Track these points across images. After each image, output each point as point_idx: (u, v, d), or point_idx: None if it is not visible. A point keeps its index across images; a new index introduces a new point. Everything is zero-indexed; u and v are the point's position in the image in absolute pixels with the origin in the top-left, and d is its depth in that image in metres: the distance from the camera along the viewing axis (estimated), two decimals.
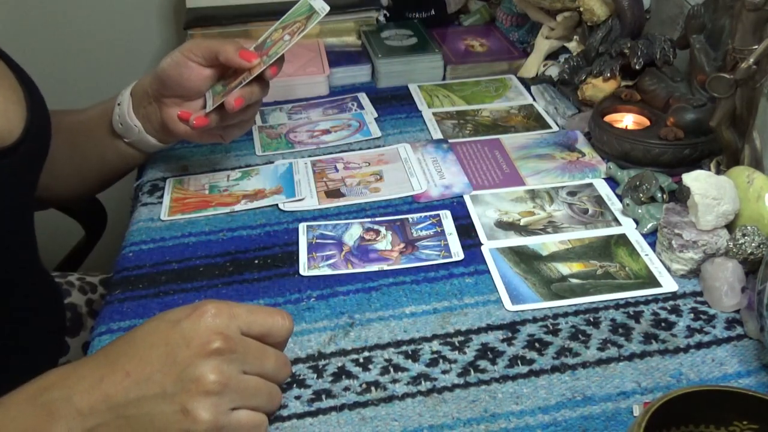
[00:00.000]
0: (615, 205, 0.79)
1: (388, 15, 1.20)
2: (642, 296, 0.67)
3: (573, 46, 1.05)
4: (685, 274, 0.68)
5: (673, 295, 0.67)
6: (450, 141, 0.93)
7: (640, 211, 0.76)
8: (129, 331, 0.53)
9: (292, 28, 0.75)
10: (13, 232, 0.72)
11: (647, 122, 0.86)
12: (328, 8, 0.72)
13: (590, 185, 0.82)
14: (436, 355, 0.61)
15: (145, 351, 0.50)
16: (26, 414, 0.50)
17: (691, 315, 0.65)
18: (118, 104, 0.82)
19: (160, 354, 0.49)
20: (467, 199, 0.81)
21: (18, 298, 0.74)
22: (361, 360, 0.61)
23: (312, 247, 0.74)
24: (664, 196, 0.77)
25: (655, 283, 0.68)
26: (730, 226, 0.69)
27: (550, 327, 0.64)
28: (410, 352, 0.62)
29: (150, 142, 0.83)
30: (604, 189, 0.82)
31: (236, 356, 0.50)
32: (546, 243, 0.73)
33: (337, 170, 0.87)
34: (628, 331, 0.63)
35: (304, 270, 0.71)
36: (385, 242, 0.75)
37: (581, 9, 0.98)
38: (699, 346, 0.61)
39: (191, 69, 0.77)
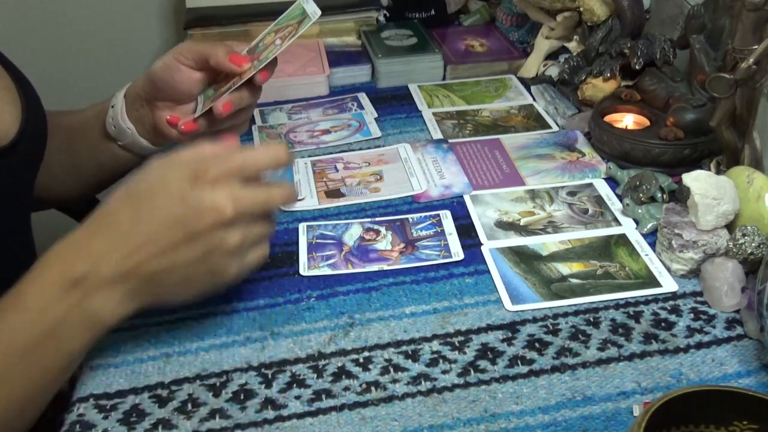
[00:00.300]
0: (615, 205, 0.79)
1: (388, 15, 1.20)
2: (642, 296, 0.67)
3: (573, 46, 1.05)
4: (685, 274, 0.68)
5: (673, 295, 0.67)
6: (450, 141, 0.93)
7: (640, 211, 0.76)
8: (127, 189, 0.57)
9: (284, 32, 0.74)
10: (11, 232, 0.72)
11: (647, 122, 0.86)
12: (319, 13, 0.72)
13: (590, 185, 0.82)
14: (436, 355, 0.61)
15: (159, 221, 0.55)
16: (62, 302, 0.54)
17: (691, 315, 0.65)
18: (112, 106, 0.81)
19: (177, 227, 0.55)
20: (467, 199, 0.81)
21: None
22: (361, 360, 0.61)
23: (312, 247, 0.74)
24: (664, 196, 0.77)
25: (655, 283, 0.68)
26: (730, 226, 0.69)
27: (550, 327, 0.64)
28: (410, 352, 0.62)
29: (143, 144, 0.82)
30: (604, 189, 0.82)
31: (247, 211, 0.56)
32: (546, 243, 0.73)
33: (337, 170, 0.87)
34: (628, 331, 0.63)
35: (304, 270, 0.71)
36: (385, 242, 0.75)
37: (581, 9, 0.98)
38: (699, 346, 0.61)
39: (182, 72, 0.76)
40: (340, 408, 0.57)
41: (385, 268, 0.71)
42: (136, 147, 0.83)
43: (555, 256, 0.72)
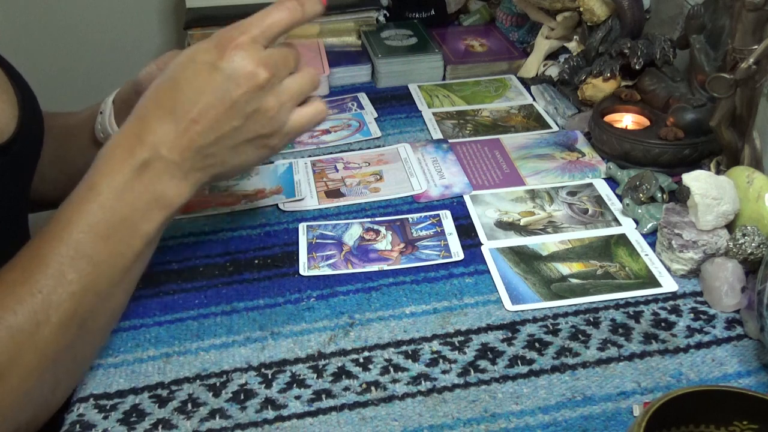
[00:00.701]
0: (615, 205, 0.79)
1: (388, 15, 1.20)
2: (642, 296, 0.67)
3: (573, 46, 1.05)
4: (685, 274, 0.68)
5: (673, 295, 0.67)
6: (450, 141, 0.93)
7: (640, 211, 0.76)
8: (161, 78, 0.60)
9: None
10: (8, 232, 0.72)
11: (647, 122, 0.86)
12: None
13: (590, 185, 0.82)
14: (436, 355, 0.61)
15: (199, 97, 0.58)
16: (134, 187, 0.58)
17: (691, 315, 0.65)
18: (101, 112, 0.81)
19: (216, 99, 0.58)
20: (467, 199, 0.81)
21: None
22: (361, 360, 0.61)
23: (312, 247, 0.74)
24: (664, 196, 0.77)
25: (655, 283, 0.68)
26: (730, 226, 0.69)
27: (550, 327, 0.64)
28: (410, 352, 0.62)
29: None
30: (604, 189, 0.82)
31: (280, 70, 0.60)
32: (546, 243, 0.73)
33: (337, 170, 0.87)
34: (628, 331, 0.63)
35: (304, 270, 0.71)
36: (385, 242, 0.75)
37: (581, 9, 0.98)
38: (699, 346, 0.61)
39: None
40: (340, 408, 0.57)
41: (385, 268, 0.71)
42: None
43: (555, 256, 0.72)
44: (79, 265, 0.55)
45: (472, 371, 0.60)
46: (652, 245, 0.72)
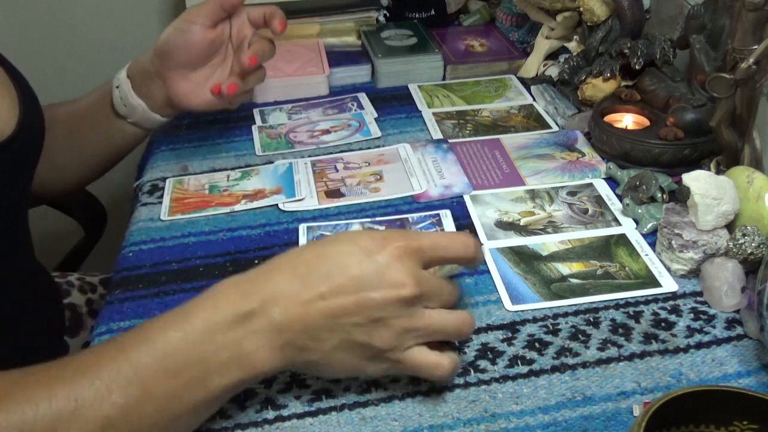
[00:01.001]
0: (615, 205, 0.79)
1: (388, 15, 1.20)
2: (642, 296, 0.67)
3: (573, 46, 1.05)
4: (685, 274, 0.68)
5: (673, 295, 0.67)
6: (450, 141, 0.93)
7: (640, 211, 0.76)
8: (311, 245, 0.57)
9: None
10: (7, 230, 0.72)
11: (647, 122, 0.86)
12: None
13: (590, 185, 0.82)
14: None
15: (338, 277, 0.52)
16: (227, 333, 0.51)
17: (691, 315, 0.65)
18: (117, 87, 0.85)
19: (354, 287, 0.52)
20: (467, 199, 0.81)
21: (16, 297, 0.74)
22: None
23: None
24: (664, 196, 0.77)
25: (655, 283, 0.68)
26: (730, 226, 0.69)
27: (550, 327, 0.64)
28: None
29: (154, 118, 0.86)
30: (604, 189, 0.82)
31: (428, 296, 0.53)
32: (546, 243, 0.73)
33: (337, 170, 0.87)
34: (628, 331, 0.63)
35: None
36: None
37: (581, 9, 0.98)
38: (699, 346, 0.61)
39: (195, 33, 0.81)
40: (340, 408, 0.57)
41: None
42: (148, 122, 0.87)
43: (555, 256, 0.72)
44: (129, 391, 0.48)
45: (472, 371, 0.60)
46: (652, 245, 0.72)
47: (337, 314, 0.51)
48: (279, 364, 0.52)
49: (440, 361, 0.54)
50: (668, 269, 0.69)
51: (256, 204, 0.81)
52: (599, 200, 0.80)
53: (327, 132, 0.96)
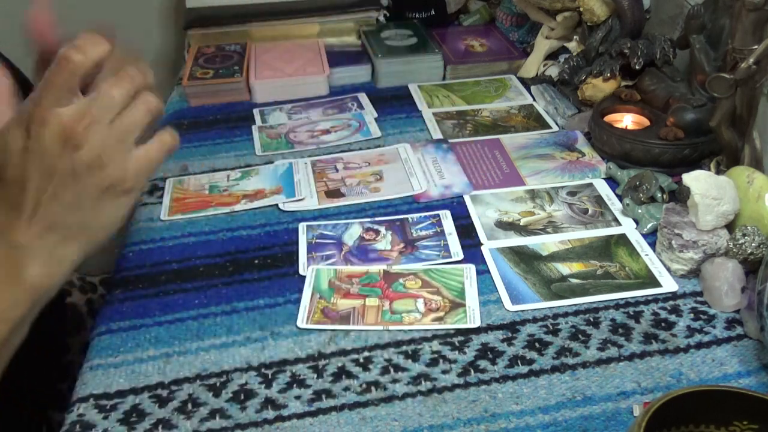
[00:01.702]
0: (615, 205, 0.79)
1: (388, 15, 1.20)
2: (642, 296, 0.67)
3: (573, 46, 1.05)
4: (685, 274, 0.68)
5: (673, 295, 0.67)
6: (450, 141, 0.93)
7: (640, 211, 0.76)
8: None
9: None
10: None
11: (647, 122, 0.86)
12: None
13: (590, 185, 0.82)
14: (436, 355, 0.61)
15: (21, 175, 0.54)
16: None
17: (691, 315, 0.65)
18: None
19: (35, 169, 0.54)
20: (467, 199, 0.81)
21: None
22: (361, 360, 0.61)
23: (312, 247, 0.74)
24: (664, 196, 0.77)
25: (655, 283, 0.68)
26: (730, 226, 0.69)
27: (550, 327, 0.64)
28: (410, 352, 0.62)
29: None
30: (604, 189, 0.82)
31: (98, 119, 0.54)
32: (546, 243, 0.73)
33: (337, 170, 0.87)
34: (628, 331, 0.63)
35: (304, 270, 0.71)
36: (384, 242, 0.75)
37: (581, 9, 0.98)
38: (699, 346, 0.61)
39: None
40: (340, 408, 0.57)
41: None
42: None
43: (555, 256, 0.72)
44: None
45: (472, 371, 0.60)
46: (652, 245, 0.72)
47: (58, 198, 0.54)
48: (62, 263, 0.56)
49: (161, 140, 0.58)
50: (668, 269, 0.69)
51: (256, 204, 0.81)
52: (599, 200, 0.80)
53: (327, 132, 0.96)
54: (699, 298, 0.66)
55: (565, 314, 0.65)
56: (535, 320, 0.64)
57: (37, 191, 0.54)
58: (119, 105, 0.56)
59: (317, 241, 0.75)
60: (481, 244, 0.74)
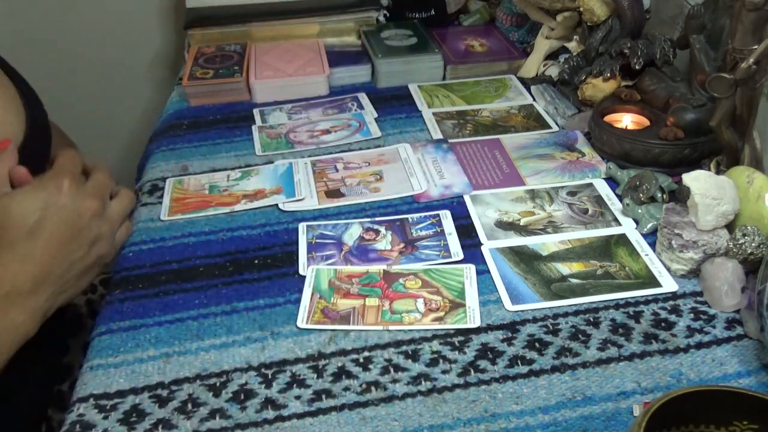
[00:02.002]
0: (615, 205, 0.79)
1: (388, 15, 1.20)
2: (642, 296, 0.67)
3: (573, 46, 1.05)
4: (685, 274, 0.68)
5: (673, 295, 0.67)
6: (450, 141, 0.93)
7: (640, 211, 0.76)
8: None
9: None
10: None
11: (647, 122, 0.86)
12: None
13: (590, 185, 0.82)
14: (436, 355, 0.61)
15: (49, 232, 0.63)
16: None
17: (691, 315, 0.65)
18: None
19: (66, 230, 0.65)
20: (467, 199, 0.81)
21: None
22: (361, 360, 0.61)
23: (312, 247, 0.74)
24: (664, 196, 0.77)
25: (655, 283, 0.68)
26: (730, 226, 0.69)
27: (550, 327, 0.64)
28: (410, 352, 0.62)
29: None
30: (604, 189, 0.82)
31: (105, 198, 0.70)
32: (546, 243, 0.73)
33: (337, 170, 0.87)
34: (628, 331, 0.63)
35: (304, 270, 0.71)
36: (384, 242, 0.75)
37: (581, 9, 0.98)
38: (699, 346, 0.61)
39: None
40: (340, 408, 0.57)
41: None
42: None
43: (555, 256, 0.72)
44: None
45: (472, 371, 0.60)
46: (652, 245, 0.72)
47: (66, 254, 0.64)
48: (44, 315, 0.63)
49: (127, 225, 0.74)
50: (668, 269, 0.69)
51: (256, 204, 0.81)
52: (599, 200, 0.80)
53: (327, 132, 0.96)
54: (699, 298, 0.66)
55: (565, 314, 0.65)
56: (535, 320, 0.64)
57: (51, 243, 0.63)
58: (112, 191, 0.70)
59: (317, 241, 0.75)
60: (481, 244, 0.74)
